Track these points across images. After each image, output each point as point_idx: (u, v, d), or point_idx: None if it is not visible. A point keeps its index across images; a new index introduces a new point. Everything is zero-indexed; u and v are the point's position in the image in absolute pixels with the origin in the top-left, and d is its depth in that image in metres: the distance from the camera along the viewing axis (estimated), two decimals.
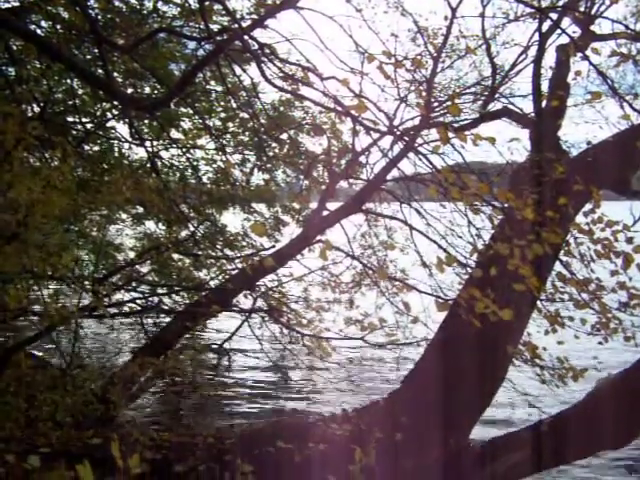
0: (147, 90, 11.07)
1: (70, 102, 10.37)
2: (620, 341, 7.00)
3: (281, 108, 11.17)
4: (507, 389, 8.58)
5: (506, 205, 4.96)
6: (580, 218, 6.37)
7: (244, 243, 11.63)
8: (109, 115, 10.95)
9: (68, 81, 9.76)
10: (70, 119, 10.97)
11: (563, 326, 6.28)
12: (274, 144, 11.31)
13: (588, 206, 6.32)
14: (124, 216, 12.13)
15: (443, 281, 8.63)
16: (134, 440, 5.51)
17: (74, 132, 10.92)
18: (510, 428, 8.20)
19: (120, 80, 10.33)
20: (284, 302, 11.10)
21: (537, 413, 8.70)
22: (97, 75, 7.99)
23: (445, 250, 6.84)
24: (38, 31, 9.06)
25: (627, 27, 7.30)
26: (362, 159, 10.36)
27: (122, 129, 11.39)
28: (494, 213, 5.27)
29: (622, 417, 6.65)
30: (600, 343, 7.18)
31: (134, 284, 10.94)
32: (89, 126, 10.94)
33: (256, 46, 6.95)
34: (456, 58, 11.04)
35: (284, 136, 10.92)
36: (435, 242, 7.60)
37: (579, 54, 6.76)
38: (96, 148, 11.42)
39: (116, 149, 11.42)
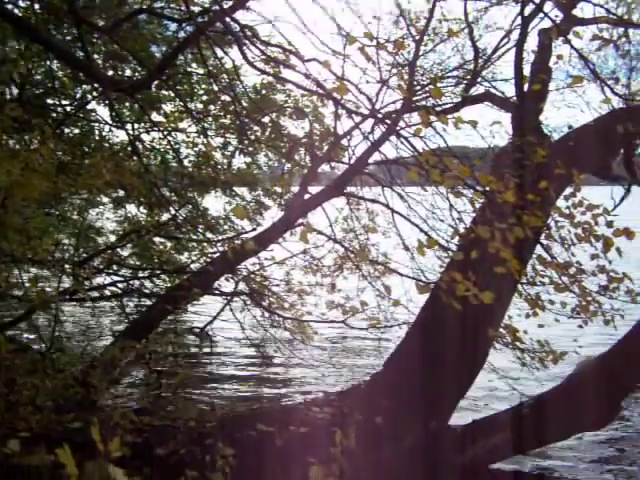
0: (128, 72, 10.98)
1: (49, 84, 10.27)
2: (600, 324, 7.07)
3: (263, 91, 11.11)
4: (488, 372, 8.63)
5: (487, 188, 4.97)
6: (561, 202, 6.40)
7: (226, 227, 11.60)
8: (89, 97, 10.85)
9: (47, 62, 9.67)
10: (49, 101, 10.88)
11: (543, 309, 6.32)
12: (256, 127, 11.25)
13: (569, 190, 6.35)
14: (105, 199, 12.05)
15: (425, 264, 8.65)
16: (114, 424, 5.49)
17: (53, 114, 10.83)
18: (491, 411, 8.26)
19: (100, 62, 10.24)
20: (266, 286, 11.10)
21: (518, 395, 8.77)
22: (76, 56, 7.92)
23: (426, 233, 6.85)
24: (15, 11, 8.94)
25: (608, 11, 7.31)
26: (344, 142, 10.34)
27: (102, 111, 11.33)
28: (475, 196, 5.28)
29: (601, 399, 6.72)
30: (580, 326, 7.24)
31: (115, 267, 10.90)
32: (69, 108, 10.86)
33: (238, 28, 6.90)
34: (438, 41, 11.01)
35: (266, 119, 10.86)
36: (417, 225, 7.61)
37: (561, 38, 6.76)
38: (76, 131, 11.34)
39: (96, 132, 11.34)
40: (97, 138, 11.26)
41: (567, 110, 11.57)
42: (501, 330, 7.33)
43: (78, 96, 10.96)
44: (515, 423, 6.96)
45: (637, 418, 9.86)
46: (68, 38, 9.62)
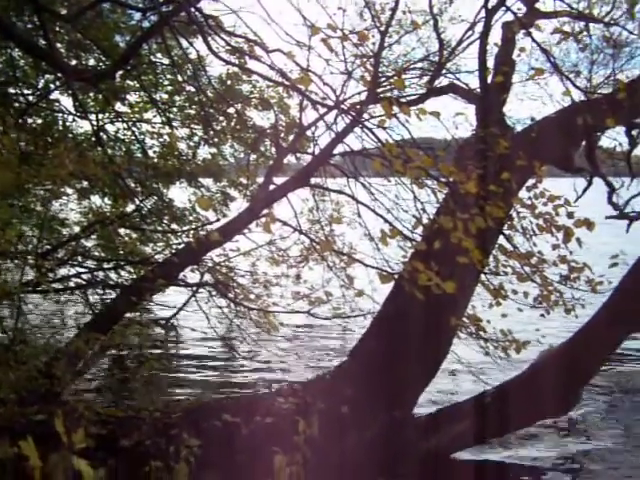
0: (92, 62, 10.87)
1: (11, 73, 10.14)
2: (561, 313, 7.18)
3: (228, 82, 11.07)
4: (452, 361, 8.72)
5: (451, 179, 5.02)
6: (523, 193, 6.48)
7: (191, 218, 11.56)
8: (52, 87, 10.73)
9: (8, 51, 9.54)
10: (11, 90, 10.73)
11: (505, 299, 6.40)
12: (221, 118, 11.22)
13: (531, 181, 6.43)
14: (69, 190, 11.93)
15: (390, 255, 8.70)
16: (79, 416, 5.48)
17: (15, 104, 10.69)
18: (454, 400, 8.36)
19: (63, 51, 10.12)
20: (231, 277, 11.10)
21: (481, 384, 8.88)
22: (38, 45, 7.82)
23: (391, 224, 6.88)
24: None
25: (570, 6, 7.40)
26: (309, 133, 10.35)
27: (66, 101, 11.21)
28: (438, 187, 5.33)
29: (562, 386, 6.85)
30: (542, 315, 7.35)
31: (79, 259, 10.82)
32: (31, 98, 10.72)
33: (202, 18, 6.87)
34: (403, 33, 11.07)
35: (231, 110, 10.83)
36: (381, 216, 7.63)
37: (523, 31, 6.84)
38: (39, 121, 11.19)
39: (60, 122, 11.22)
40: (60, 128, 11.14)
41: (530, 102, 11.69)
42: (464, 320, 7.42)
43: (41, 85, 10.83)
44: (478, 412, 7.07)
45: (597, 404, 10.04)
46: (29, 26, 9.49)
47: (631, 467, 7.94)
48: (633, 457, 8.31)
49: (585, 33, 8.11)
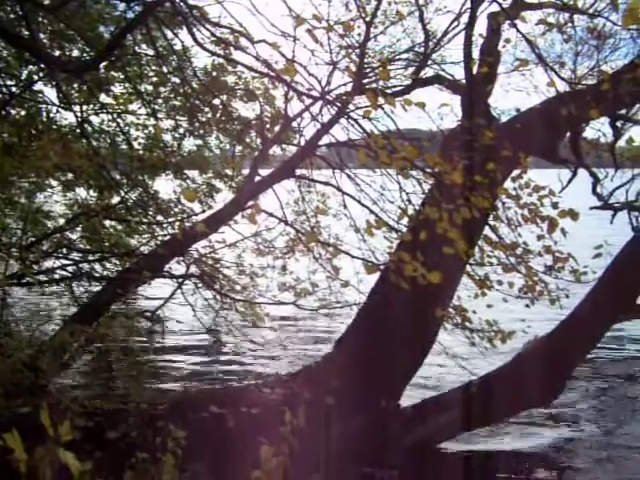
0: (76, 53, 10.79)
1: None
2: (546, 304, 7.22)
3: (213, 73, 11.03)
4: (438, 352, 8.76)
5: (436, 170, 5.04)
6: (508, 183, 6.51)
7: (176, 209, 11.53)
8: (35, 78, 10.64)
9: None
10: None
11: (491, 289, 6.43)
12: (206, 109, 11.18)
13: (516, 172, 6.45)
14: (53, 182, 11.87)
15: (376, 246, 8.73)
16: (64, 408, 5.47)
17: None
18: (440, 390, 8.40)
19: (46, 42, 10.04)
20: (217, 268, 11.09)
21: (467, 375, 8.93)
22: (21, 35, 7.76)
23: (376, 215, 6.90)
24: None
25: None
26: (295, 125, 10.34)
27: (50, 92, 11.12)
28: (424, 178, 5.34)
29: (547, 376, 6.89)
30: (527, 306, 7.38)
31: (64, 251, 10.78)
32: (14, 89, 10.63)
33: (186, 8, 6.84)
34: (389, 24, 11.04)
35: (217, 101, 10.80)
36: (367, 207, 7.66)
37: (508, 22, 6.85)
38: (22, 112, 11.10)
39: (44, 113, 11.13)
40: (44, 120, 11.05)
41: (516, 93, 11.73)
42: (450, 310, 7.45)
43: (24, 76, 10.73)
44: (464, 402, 7.11)
45: (581, 394, 10.12)
46: (12, 17, 9.41)
47: (615, 454, 8.01)
48: (617, 443, 8.39)
49: (569, 24, 8.13)
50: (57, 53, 10.18)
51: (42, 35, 9.76)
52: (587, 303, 7.04)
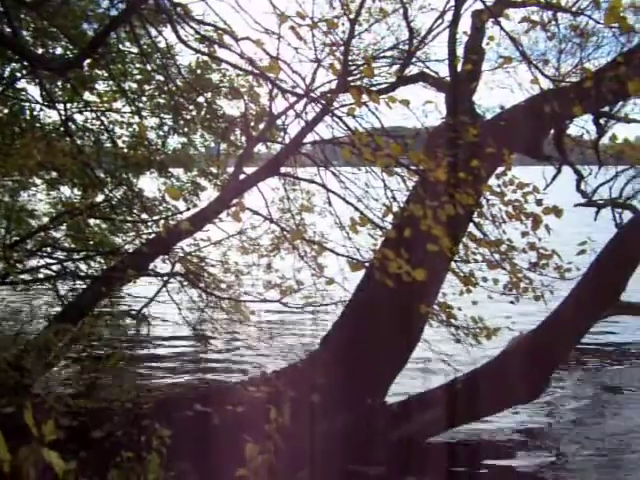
0: (59, 50, 10.73)
1: None
2: (531, 300, 7.25)
3: (198, 71, 11.00)
4: (424, 349, 8.78)
5: (421, 167, 5.05)
6: (493, 180, 6.53)
7: (161, 208, 11.50)
8: (18, 76, 10.58)
9: None
10: None
11: (476, 286, 6.45)
12: (191, 107, 11.15)
13: (500, 169, 6.48)
14: (37, 181, 11.81)
15: (362, 244, 8.75)
16: (49, 408, 5.45)
17: None
18: (426, 387, 8.43)
19: (29, 39, 9.98)
20: (202, 267, 11.07)
21: (452, 371, 8.96)
22: (3, 33, 7.71)
23: (361, 212, 6.92)
24: None
25: None
26: (279, 122, 10.33)
27: (33, 90, 11.03)
28: (408, 175, 5.36)
29: (531, 372, 6.93)
30: (512, 302, 7.41)
31: (48, 250, 10.72)
32: None
33: (170, 6, 6.82)
34: (373, 22, 11.05)
35: (201, 99, 10.78)
36: (352, 205, 7.67)
37: (492, 20, 6.87)
38: (5, 110, 11.03)
39: (27, 111, 11.06)
40: (28, 118, 10.99)
41: (500, 91, 11.78)
42: (436, 307, 7.47)
43: (7, 74, 10.67)
44: (449, 398, 7.14)
45: (566, 390, 10.18)
46: None
47: (598, 447, 8.07)
48: (599, 435, 8.46)
49: (553, 22, 8.17)
50: (40, 51, 10.12)
51: (25, 32, 9.69)
52: (571, 299, 7.09)
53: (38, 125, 10.92)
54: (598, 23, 7.00)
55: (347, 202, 7.64)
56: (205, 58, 10.33)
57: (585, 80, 6.47)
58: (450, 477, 7.13)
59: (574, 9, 8.02)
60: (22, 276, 10.06)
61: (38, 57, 7.99)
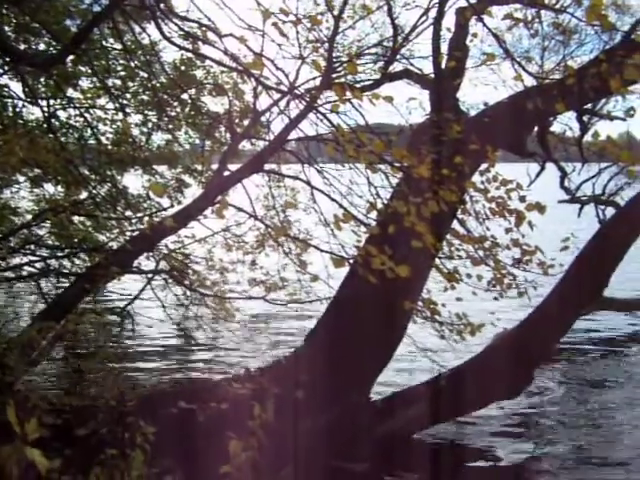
0: (42, 46, 10.66)
1: None
2: (514, 296, 7.29)
3: (182, 67, 10.97)
4: (408, 345, 8.79)
5: (405, 164, 5.05)
6: (476, 177, 6.55)
7: (145, 205, 11.46)
8: (0, 72, 10.50)
9: None
10: None
11: (458, 282, 6.46)
12: (175, 104, 11.12)
13: (484, 165, 6.49)
14: (20, 178, 11.74)
15: (346, 241, 8.75)
16: (32, 405, 5.43)
17: None
18: (410, 383, 8.45)
19: (11, 35, 9.91)
20: (187, 264, 11.05)
21: (437, 368, 8.99)
22: None
23: (345, 209, 6.92)
24: None
25: None
26: (264, 119, 10.32)
27: (16, 87, 10.96)
28: (392, 171, 5.36)
29: (514, 369, 6.97)
30: (496, 299, 7.44)
31: (32, 247, 10.66)
32: None
33: (154, 2, 6.80)
34: (357, 19, 11.06)
35: (185, 96, 10.75)
36: (336, 201, 7.67)
37: (475, 17, 6.89)
38: None
39: (9, 108, 10.99)
40: (10, 114, 10.92)
41: (484, 88, 11.83)
42: (420, 304, 7.48)
43: None
44: (433, 394, 7.17)
45: (549, 385, 10.23)
46: None
47: (581, 443, 8.12)
48: (583, 432, 8.51)
49: (536, 20, 8.21)
50: (22, 47, 10.05)
51: (7, 28, 9.63)
52: (554, 295, 7.13)
53: (21, 122, 10.86)
54: (580, 21, 7.04)
55: (331, 199, 7.64)
56: (189, 55, 10.32)
57: (568, 77, 6.51)
58: (434, 473, 7.14)
59: (557, 7, 8.06)
60: (5, 274, 10.01)
61: (20, 53, 7.94)
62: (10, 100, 10.81)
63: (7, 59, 9.52)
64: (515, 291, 7.27)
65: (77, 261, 11.10)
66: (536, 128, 10.14)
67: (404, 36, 10.91)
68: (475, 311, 8.37)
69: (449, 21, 7.83)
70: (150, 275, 10.47)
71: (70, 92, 11.13)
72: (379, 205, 6.86)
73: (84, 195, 11.02)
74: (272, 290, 10.36)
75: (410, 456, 7.28)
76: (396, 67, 10.95)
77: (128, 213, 11.22)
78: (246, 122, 10.69)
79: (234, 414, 5.56)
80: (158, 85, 10.17)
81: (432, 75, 8.15)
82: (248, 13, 7.07)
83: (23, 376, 7.39)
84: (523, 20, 7.68)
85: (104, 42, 10.66)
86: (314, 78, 9.89)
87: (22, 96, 10.56)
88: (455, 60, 7.39)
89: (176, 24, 7.11)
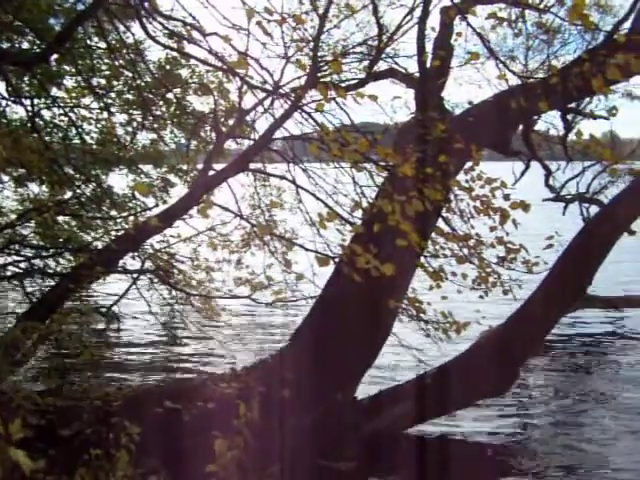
0: (25, 45, 10.61)
1: None
2: (500, 294, 7.32)
3: (167, 66, 10.94)
4: (394, 344, 8.81)
5: (390, 163, 5.07)
6: (461, 176, 6.57)
7: (131, 204, 11.43)
8: None
9: None
10: None
11: (443, 280, 6.48)
12: (160, 103, 11.09)
13: (469, 164, 6.52)
14: (4, 178, 11.69)
15: (332, 240, 8.76)
16: (17, 406, 5.40)
17: None
18: (396, 382, 8.47)
19: None
20: (172, 263, 11.03)
21: (422, 366, 9.01)
22: None
23: (330, 208, 6.93)
24: None
25: None
26: (249, 118, 10.31)
27: None
28: (377, 170, 5.37)
29: (500, 366, 7.00)
30: (481, 297, 7.46)
31: (16, 247, 10.61)
32: None
33: (138, 0, 6.78)
34: (343, 18, 11.08)
35: (170, 95, 10.72)
36: (322, 201, 7.68)
37: (459, 16, 6.90)
38: None
39: None
40: None
41: (469, 86, 11.89)
42: (405, 302, 7.50)
43: None
44: (419, 392, 7.19)
45: (534, 383, 10.29)
46: None
47: (566, 440, 8.17)
48: (569, 429, 8.55)
49: (520, 19, 8.23)
50: (6, 45, 10.00)
51: None
52: (539, 293, 7.16)
53: (4, 121, 10.80)
54: (563, 20, 7.08)
55: (317, 198, 7.65)
56: (174, 54, 10.29)
57: (552, 77, 6.54)
58: (420, 471, 7.16)
59: (540, 6, 8.09)
60: None
61: (4, 51, 7.90)
62: None
63: None
64: (500, 289, 7.30)
65: (62, 261, 11.05)
66: (520, 127, 10.19)
67: (389, 35, 10.94)
68: (460, 309, 8.40)
69: (434, 20, 7.87)
70: (135, 275, 10.44)
71: (54, 91, 11.09)
72: (364, 204, 6.87)
73: (69, 195, 10.97)
74: (258, 289, 10.35)
75: (396, 455, 7.29)
76: (381, 66, 10.99)
77: (113, 213, 11.19)
78: (231, 121, 10.68)
79: (220, 413, 5.55)
80: (143, 84, 10.14)
81: (417, 74, 8.17)
82: (233, 12, 7.08)
83: (8, 376, 7.36)
84: (507, 19, 7.71)
85: (88, 41, 10.62)
86: (299, 77, 9.91)
87: (6, 95, 10.51)
88: (440, 59, 7.40)
89: (161, 23, 7.11)
